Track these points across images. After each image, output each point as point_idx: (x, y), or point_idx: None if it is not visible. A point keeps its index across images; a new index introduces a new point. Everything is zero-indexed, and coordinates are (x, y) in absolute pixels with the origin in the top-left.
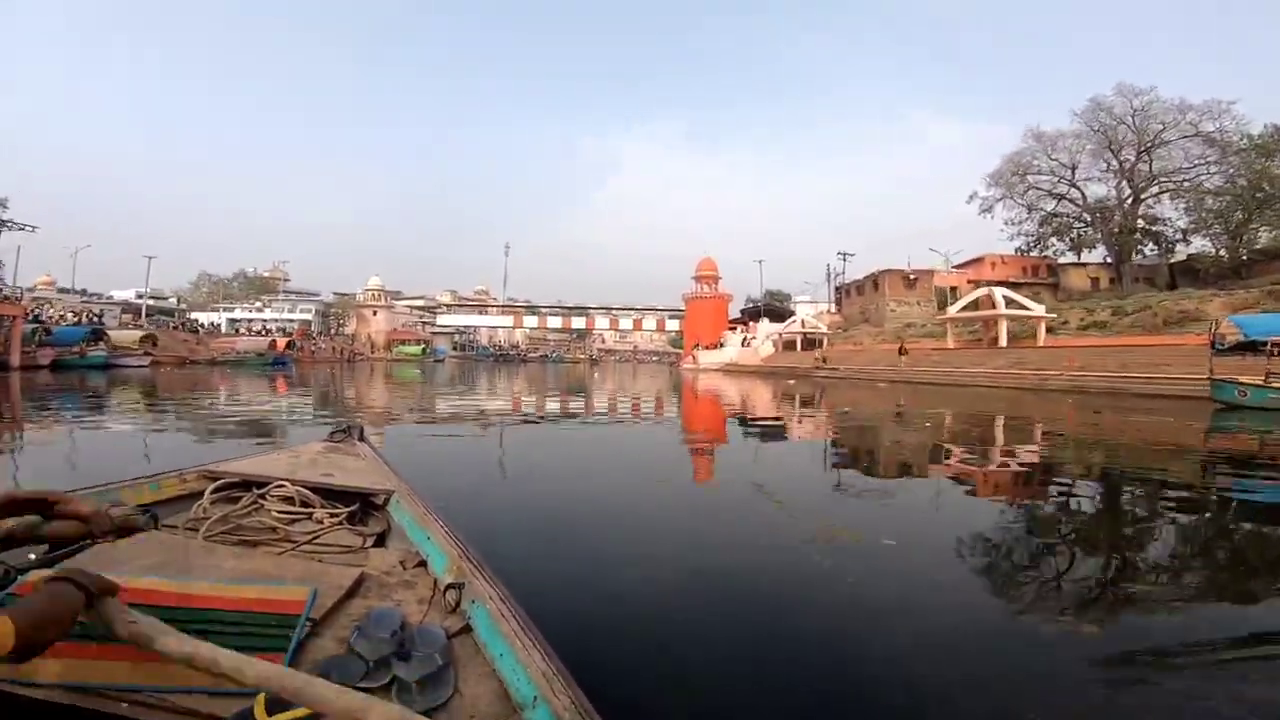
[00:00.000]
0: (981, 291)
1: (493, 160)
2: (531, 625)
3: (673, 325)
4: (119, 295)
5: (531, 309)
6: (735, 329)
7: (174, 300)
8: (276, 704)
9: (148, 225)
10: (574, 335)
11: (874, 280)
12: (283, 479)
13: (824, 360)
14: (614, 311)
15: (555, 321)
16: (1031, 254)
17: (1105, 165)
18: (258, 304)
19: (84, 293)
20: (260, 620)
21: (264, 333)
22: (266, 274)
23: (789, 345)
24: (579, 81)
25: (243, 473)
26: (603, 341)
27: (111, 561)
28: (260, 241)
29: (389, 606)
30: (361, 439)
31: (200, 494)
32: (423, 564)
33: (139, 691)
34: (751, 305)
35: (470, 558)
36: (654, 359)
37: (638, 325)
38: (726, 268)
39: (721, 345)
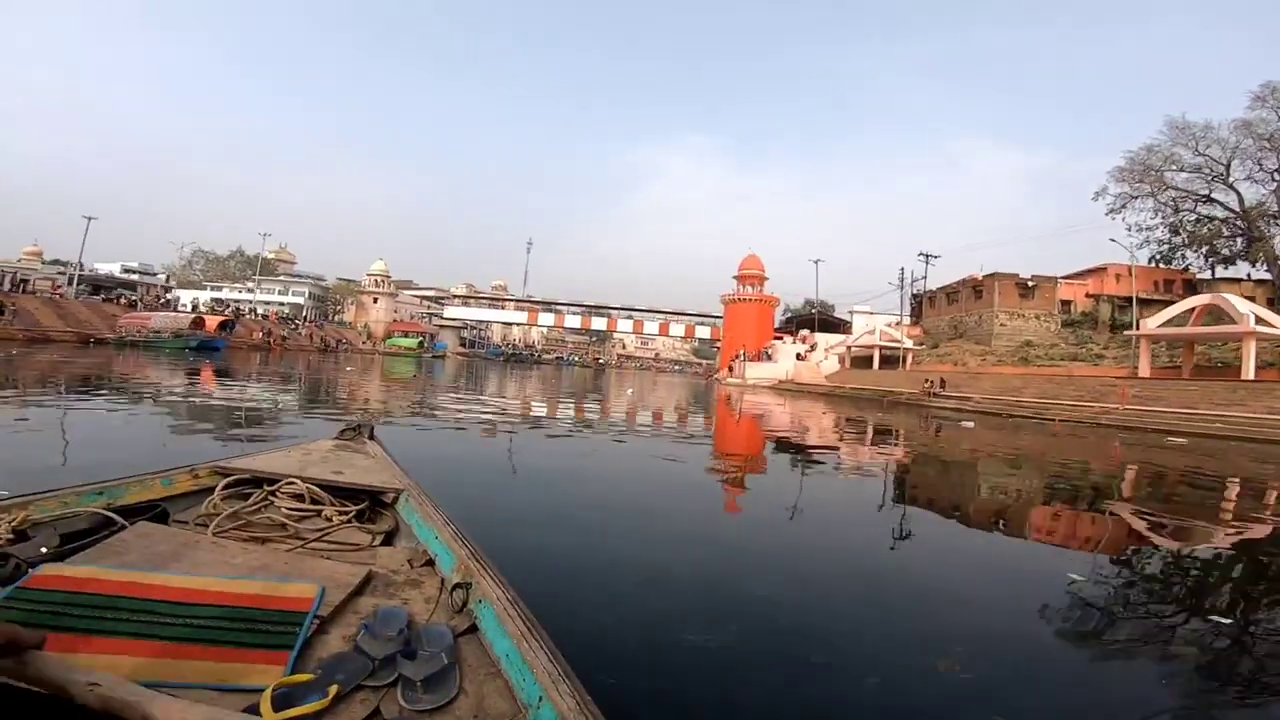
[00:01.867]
0: (1200, 299)
1: (526, 165)
2: (537, 626)
3: (702, 333)
4: (104, 268)
5: (548, 306)
6: (782, 339)
7: (162, 276)
8: (284, 700)
9: (182, 205)
10: (593, 338)
11: (975, 287)
12: (293, 476)
13: (938, 384)
14: (638, 314)
15: (574, 321)
16: (1166, 265)
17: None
18: (249, 285)
19: (56, 262)
20: (268, 617)
21: (236, 314)
22: (271, 255)
23: (860, 361)
24: (618, 92)
25: (254, 469)
26: (623, 347)
27: (120, 556)
28: (288, 230)
29: (396, 605)
30: (372, 437)
31: (211, 490)
32: (430, 563)
33: (148, 686)
34: (793, 315)
35: (478, 557)
36: (676, 368)
37: (664, 330)
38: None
39: (768, 356)
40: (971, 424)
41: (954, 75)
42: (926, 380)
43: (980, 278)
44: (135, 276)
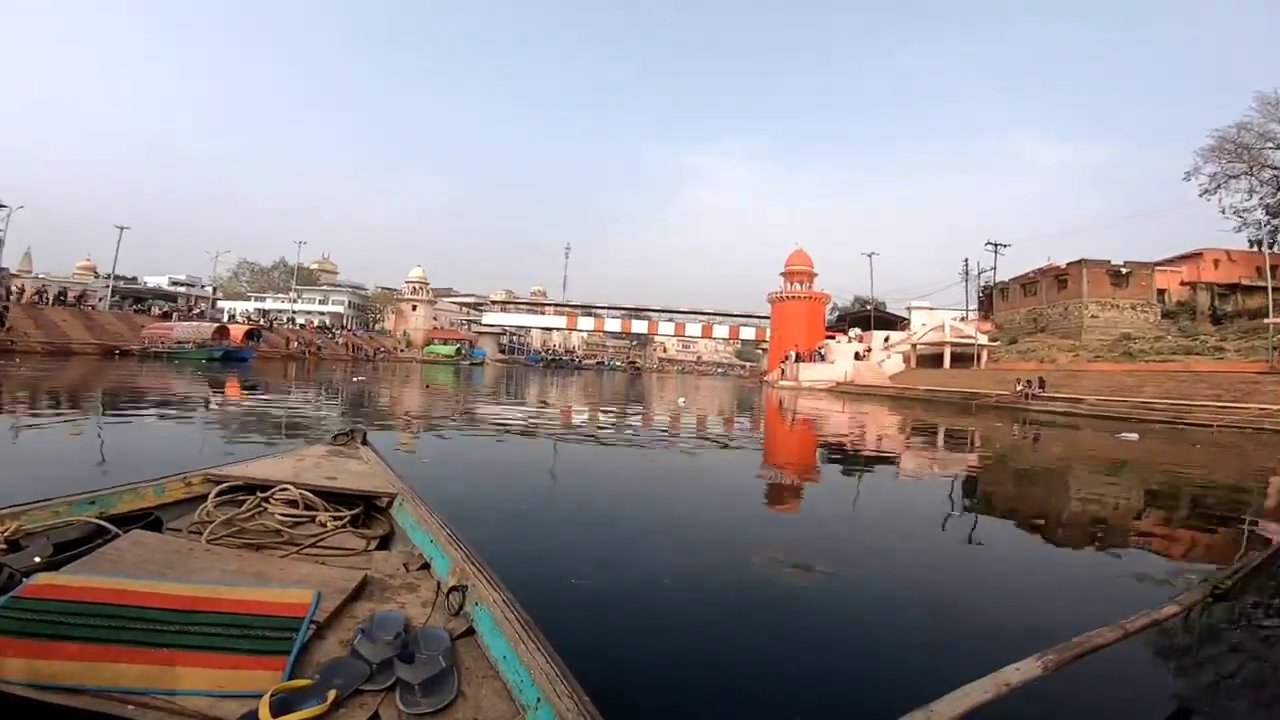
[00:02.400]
0: None
1: (564, 173)
2: (534, 627)
3: (747, 334)
4: (153, 281)
5: (587, 310)
6: (833, 339)
7: (209, 288)
8: (281, 706)
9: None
10: (634, 342)
11: (1057, 276)
12: (286, 482)
13: (1037, 385)
14: (680, 316)
15: (614, 325)
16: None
17: None
18: (290, 295)
19: (119, 278)
20: (264, 623)
21: (269, 323)
22: (314, 266)
23: (926, 360)
24: (655, 96)
25: (247, 476)
26: (664, 350)
27: (115, 564)
28: (333, 241)
29: (393, 609)
30: (365, 442)
31: (204, 497)
32: (426, 566)
33: (145, 694)
34: (844, 313)
35: (473, 560)
36: (719, 371)
37: (707, 332)
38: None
39: (821, 357)
40: (1135, 436)
41: (994, 70)
42: (1023, 380)
43: (1064, 266)
44: (182, 289)
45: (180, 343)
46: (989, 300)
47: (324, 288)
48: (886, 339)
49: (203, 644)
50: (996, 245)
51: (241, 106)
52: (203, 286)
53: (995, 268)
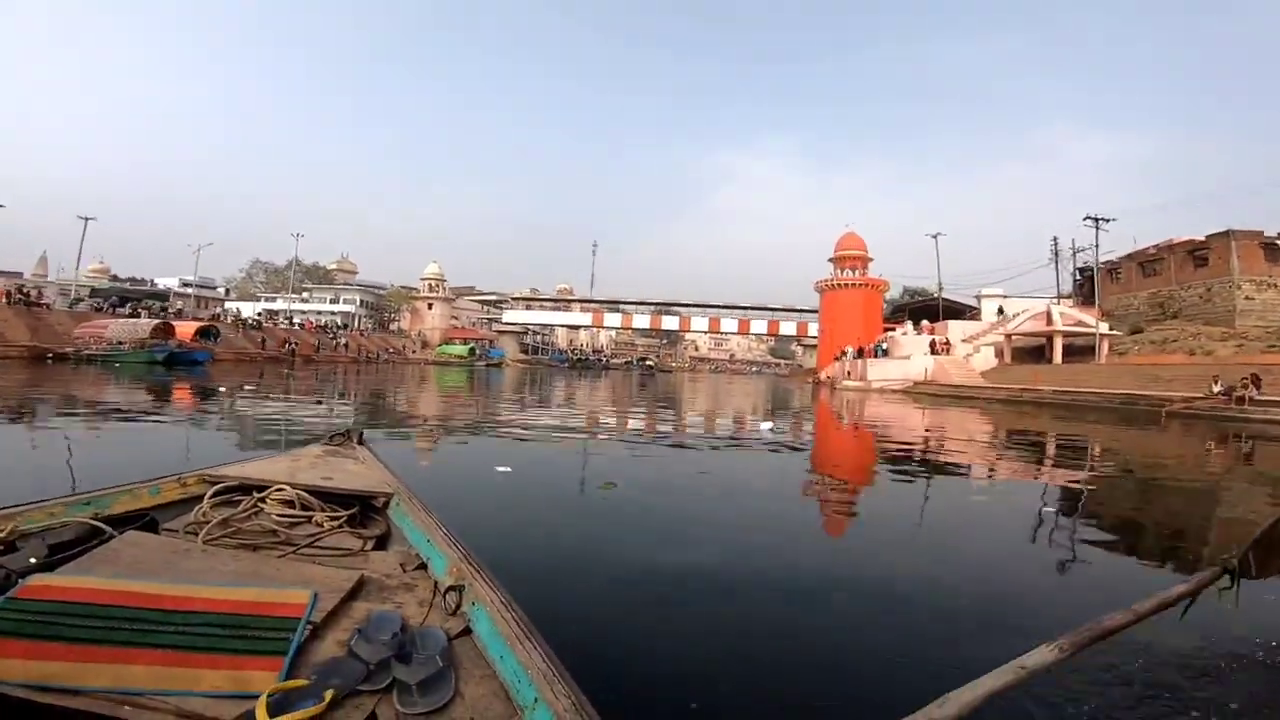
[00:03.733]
0: None
1: (595, 172)
2: (532, 627)
3: (787, 329)
4: (163, 282)
5: (614, 305)
6: (891, 330)
7: (223, 289)
8: (278, 707)
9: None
10: (664, 340)
11: (1192, 251)
12: (283, 482)
13: (1252, 384)
14: (715, 310)
15: (642, 321)
16: None
17: None
18: (302, 295)
19: (132, 279)
20: (261, 623)
21: (287, 325)
22: (333, 266)
23: (1024, 354)
24: (693, 95)
25: (242, 476)
26: (695, 349)
27: (110, 565)
28: (355, 243)
29: (389, 609)
30: (361, 442)
31: (200, 498)
32: (423, 566)
33: (142, 695)
34: (904, 303)
35: (470, 560)
36: (754, 370)
37: (744, 328)
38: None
39: (883, 352)
40: None
41: (1038, 61)
42: (1220, 379)
43: (1202, 238)
44: (190, 290)
45: (117, 343)
46: (1089, 283)
47: (335, 286)
48: (964, 331)
49: (199, 644)
50: (1097, 220)
51: (274, 114)
52: (215, 287)
53: (1097, 245)
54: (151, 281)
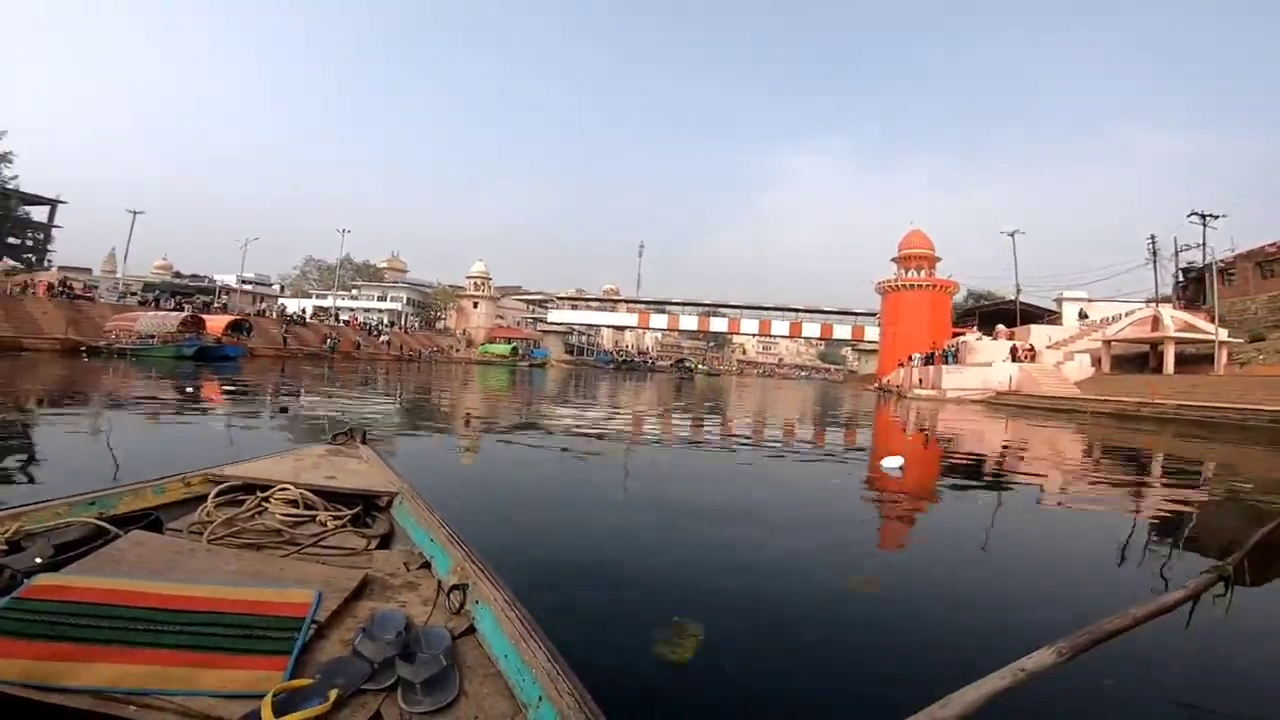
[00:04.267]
0: None
1: (645, 173)
2: (535, 625)
3: (842, 332)
4: (221, 279)
5: (660, 306)
6: (961, 335)
7: (277, 286)
8: (283, 706)
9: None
10: (710, 343)
11: None
12: (286, 482)
13: None
14: (766, 313)
15: (690, 323)
16: None
17: None
18: (353, 292)
19: (194, 276)
20: (265, 623)
21: (335, 323)
22: (383, 264)
23: (1126, 361)
24: (749, 95)
25: (246, 476)
26: (743, 352)
27: (115, 565)
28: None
29: (394, 608)
30: (364, 441)
31: (204, 497)
32: (426, 565)
33: (147, 695)
34: (973, 307)
35: (474, 559)
36: (803, 375)
37: (795, 330)
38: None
39: (954, 358)
40: None
41: (1102, 59)
42: None
43: None
44: (249, 287)
45: (148, 337)
46: (1192, 285)
47: (384, 284)
48: (1049, 336)
49: (204, 644)
50: (1205, 217)
51: (339, 116)
52: (270, 284)
53: (1204, 244)
54: (210, 279)
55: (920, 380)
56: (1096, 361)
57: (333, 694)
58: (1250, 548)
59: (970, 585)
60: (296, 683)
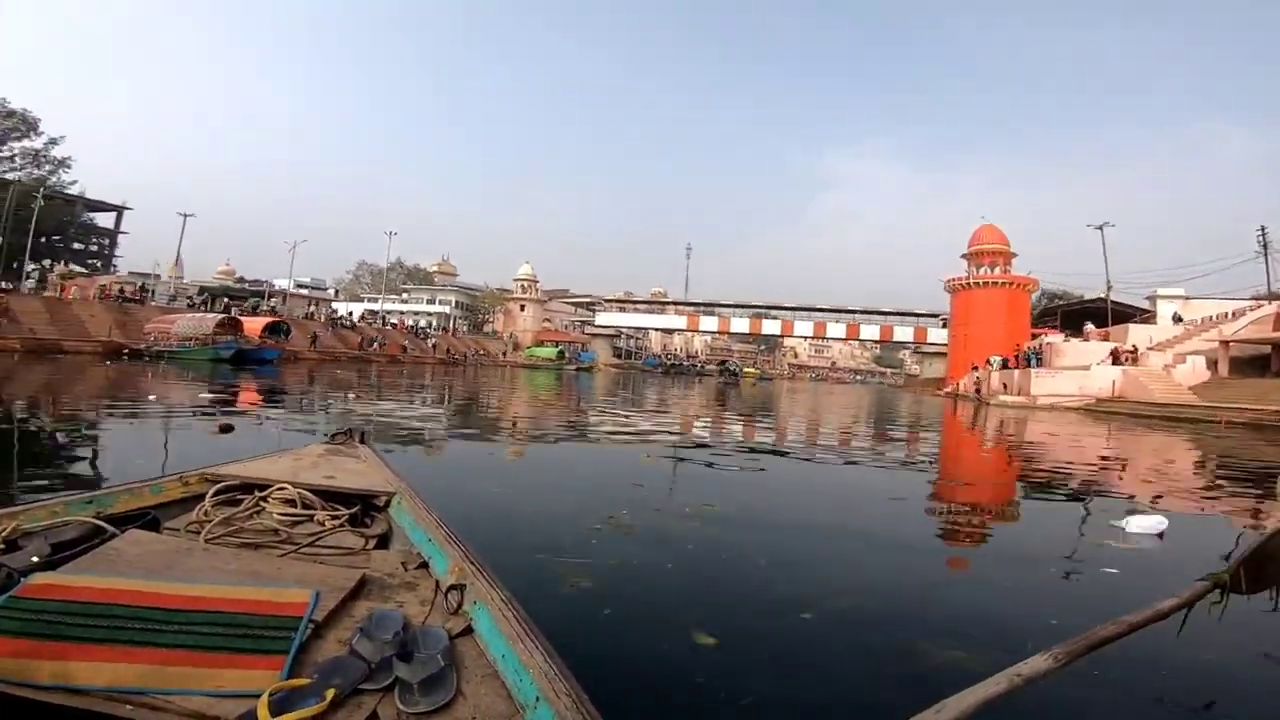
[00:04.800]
0: None
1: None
2: (533, 626)
3: (903, 334)
4: (279, 283)
5: (709, 308)
6: (1040, 336)
7: (333, 290)
8: (280, 705)
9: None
10: (761, 346)
11: None
12: (284, 481)
13: None
14: (820, 314)
15: (741, 325)
16: None
17: None
18: (403, 295)
19: (255, 281)
20: (262, 622)
21: (385, 327)
22: (433, 268)
23: (1246, 364)
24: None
25: (244, 475)
26: (794, 355)
27: (113, 564)
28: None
29: (391, 608)
30: (363, 441)
31: (201, 497)
32: (424, 565)
33: (144, 694)
34: (1053, 306)
35: (472, 559)
36: (857, 379)
37: (852, 332)
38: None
39: (1036, 360)
40: None
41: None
42: None
43: None
44: (305, 290)
45: (186, 339)
46: None
47: (432, 288)
48: (1150, 337)
49: (201, 643)
50: None
51: (385, 122)
52: (325, 288)
53: None
54: (270, 283)
55: (1004, 385)
56: (1211, 364)
57: (329, 694)
58: (1245, 556)
59: None
60: (293, 682)
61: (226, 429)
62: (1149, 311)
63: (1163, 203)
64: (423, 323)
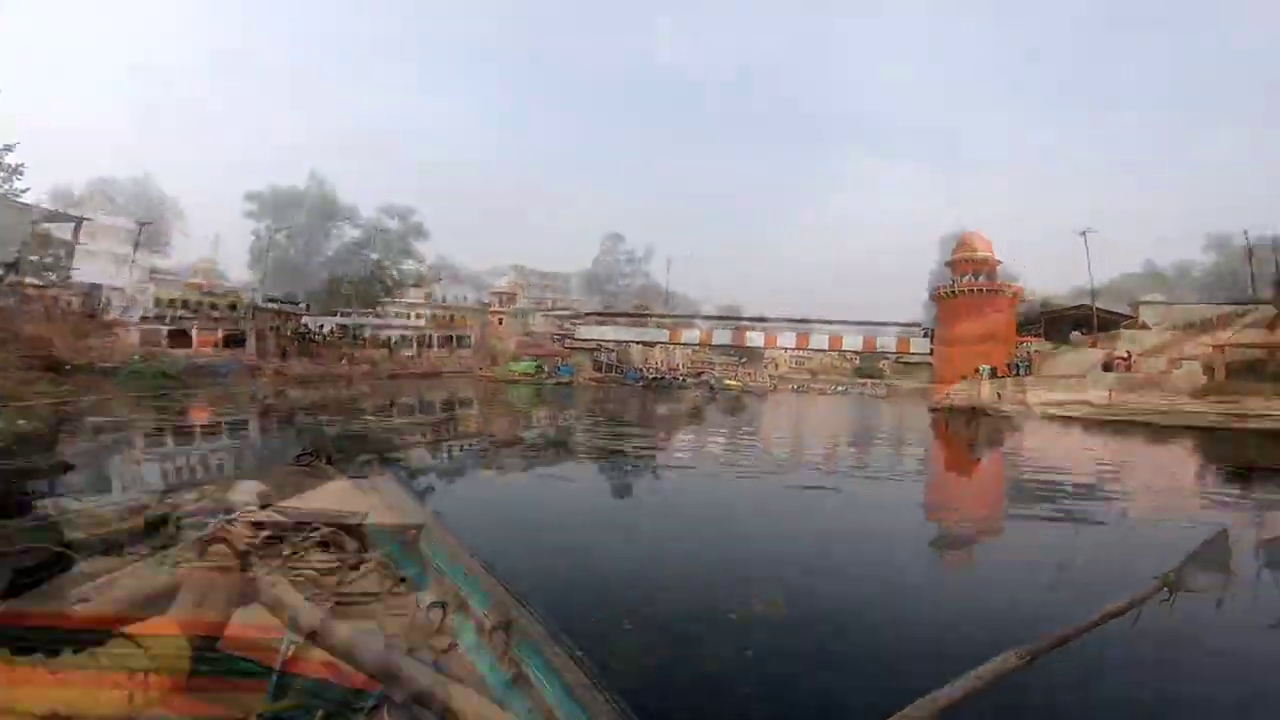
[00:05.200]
0: None
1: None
2: (509, 638)
3: (885, 342)
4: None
5: (690, 320)
6: (1024, 344)
7: (303, 305)
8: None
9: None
10: (742, 358)
11: None
12: (254, 505)
13: None
14: (805, 325)
15: (724, 337)
16: None
17: None
18: (377, 309)
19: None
20: (243, 645)
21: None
22: (411, 283)
23: (1246, 369)
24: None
25: (213, 500)
26: (775, 367)
27: (79, 591)
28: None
29: (372, 628)
30: (329, 462)
31: (166, 520)
32: (403, 583)
33: None
34: (1043, 312)
35: (452, 578)
36: (839, 389)
37: (836, 344)
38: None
39: (1025, 368)
40: None
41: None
42: None
43: None
44: (274, 305)
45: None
46: None
47: (410, 302)
48: (1139, 342)
49: (180, 669)
50: None
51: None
52: (297, 302)
53: None
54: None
55: (999, 395)
56: (1207, 370)
57: (317, 715)
58: (1186, 561)
59: None
60: (279, 705)
61: (66, 467)
62: (1131, 318)
63: (1141, 210)
64: (396, 336)
